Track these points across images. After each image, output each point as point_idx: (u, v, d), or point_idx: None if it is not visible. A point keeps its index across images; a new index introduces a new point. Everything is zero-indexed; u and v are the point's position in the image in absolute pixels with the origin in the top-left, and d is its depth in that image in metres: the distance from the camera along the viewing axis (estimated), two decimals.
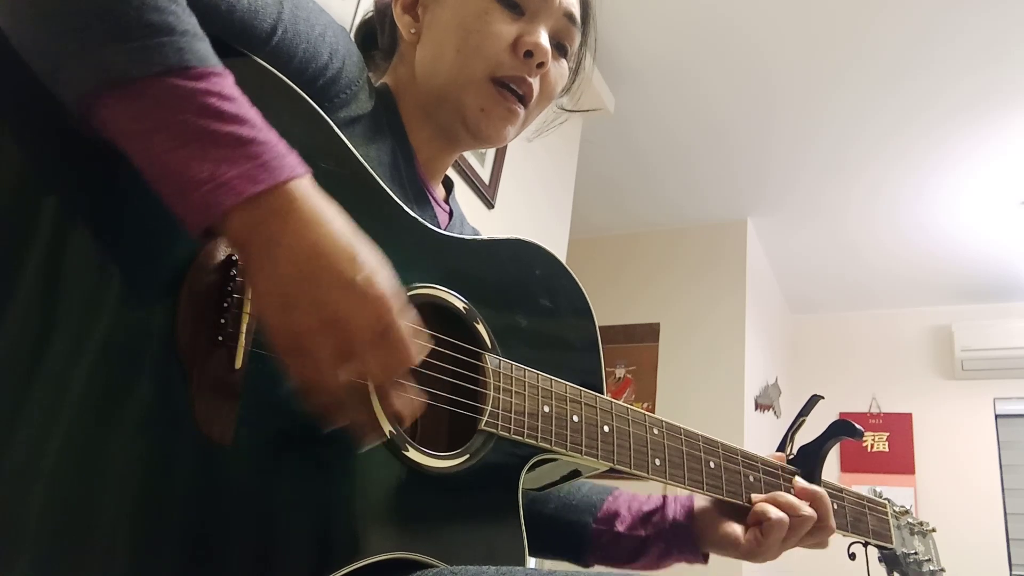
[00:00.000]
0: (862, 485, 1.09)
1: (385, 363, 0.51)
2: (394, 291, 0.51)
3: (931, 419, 4.08)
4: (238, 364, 0.53)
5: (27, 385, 0.45)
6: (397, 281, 0.52)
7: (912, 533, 1.05)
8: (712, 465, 0.83)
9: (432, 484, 0.64)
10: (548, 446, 0.70)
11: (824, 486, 0.91)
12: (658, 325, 3.65)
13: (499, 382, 0.69)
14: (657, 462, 0.78)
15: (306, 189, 0.50)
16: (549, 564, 0.96)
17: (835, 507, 0.93)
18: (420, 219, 0.70)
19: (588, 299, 0.82)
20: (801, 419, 0.95)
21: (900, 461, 4.03)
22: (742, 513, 0.85)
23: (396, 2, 0.80)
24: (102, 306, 0.49)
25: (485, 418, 0.67)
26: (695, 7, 2.48)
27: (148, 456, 0.49)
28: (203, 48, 0.50)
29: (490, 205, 2.30)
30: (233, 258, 0.55)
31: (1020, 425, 3.94)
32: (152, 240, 0.52)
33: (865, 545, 0.98)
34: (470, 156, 2.18)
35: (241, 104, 0.50)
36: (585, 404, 0.74)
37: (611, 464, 0.74)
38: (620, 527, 0.88)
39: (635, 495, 0.92)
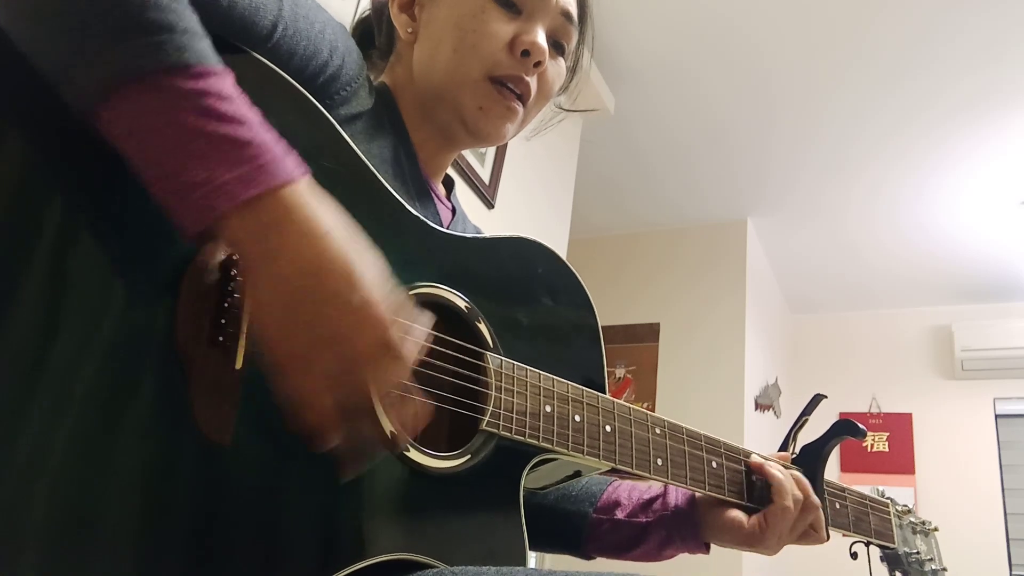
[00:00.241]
0: (862, 485, 1.09)
1: (383, 379, 0.50)
2: (393, 306, 0.51)
3: (931, 419, 4.08)
4: (238, 364, 0.53)
5: (29, 385, 0.44)
6: (398, 290, 0.51)
7: (914, 532, 1.05)
8: (715, 464, 0.83)
9: (433, 484, 0.63)
10: (550, 446, 0.70)
11: (826, 486, 0.91)
12: (658, 325, 3.65)
13: (500, 382, 0.68)
14: (659, 462, 0.78)
15: (303, 196, 0.49)
16: (549, 561, 0.96)
17: (837, 506, 0.93)
18: (422, 217, 0.70)
19: (590, 296, 0.82)
20: (804, 418, 0.94)
21: (900, 461, 4.03)
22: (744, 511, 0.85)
23: (393, 1, 0.80)
24: (102, 306, 0.48)
25: (486, 418, 0.66)
26: (695, 7, 2.48)
27: (148, 456, 0.48)
28: (203, 47, 0.49)
29: (490, 205, 2.30)
30: (233, 257, 0.54)
31: (1020, 425, 3.94)
32: (152, 240, 0.52)
33: (867, 544, 0.98)
34: (470, 156, 2.18)
35: (240, 104, 0.49)
36: (587, 404, 0.74)
37: (613, 464, 0.74)
38: (620, 515, 0.88)
39: (635, 485, 0.91)
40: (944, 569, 1.06)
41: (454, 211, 0.86)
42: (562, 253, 0.95)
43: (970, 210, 3.39)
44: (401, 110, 0.78)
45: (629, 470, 0.75)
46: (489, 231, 0.84)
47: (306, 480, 0.56)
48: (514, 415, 0.68)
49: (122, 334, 0.49)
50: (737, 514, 0.84)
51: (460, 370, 0.67)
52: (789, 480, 0.84)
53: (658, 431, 0.79)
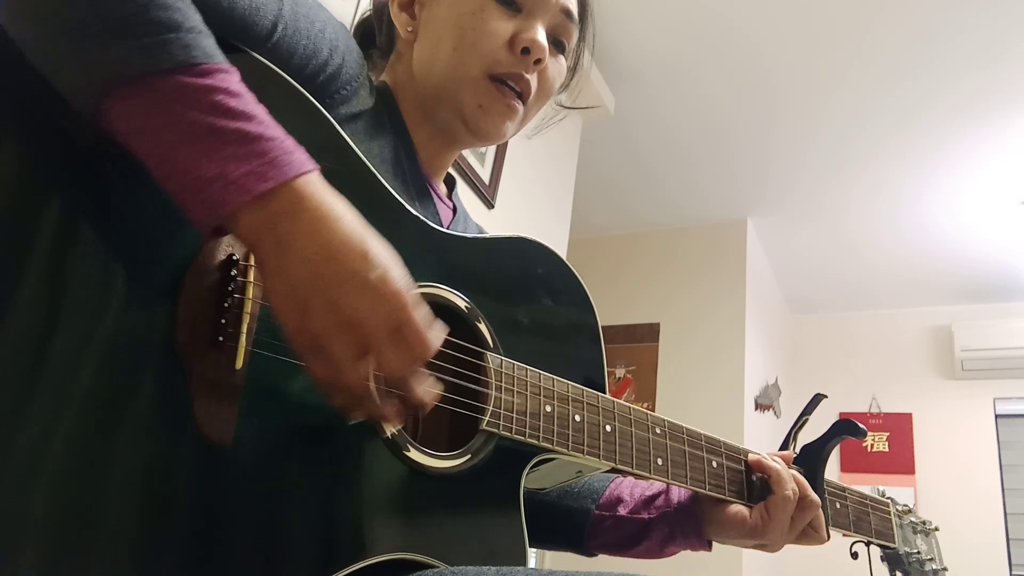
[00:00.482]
0: (862, 485, 1.09)
1: (404, 357, 0.51)
2: (407, 285, 0.51)
3: (931, 419, 4.08)
4: (238, 364, 0.53)
5: (29, 385, 0.44)
6: (408, 275, 0.52)
7: (915, 532, 1.05)
8: (715, 464, 0.83)
9: (433, 484, 0.63)
10: (550, 446, 0.70)
11: (827, 486, 0.91)
12: (658, 325, 3.65)
13: (500, 382, 0.68)
14: (659, 462, 0.78)
15: (315, 186, 0.50)
16: (549, 560, 0.96)
17: (837, 506, 0.93)
18: (421, 217, 0.70)
19: (590, 296, 0.81)
20: (804, 418, 0.94)
21: (900, 461, 4.03)
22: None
23: (393, 1, 0.80)
24: (102, 306, 0.48)
25: (487, 418, 0.66)
26: (695, 7, 2.48)
27: (148, 456, 0.48)
28: (209, 44, 0.50)
29: (490, 205, 2.30)
30: (234, 258, 0.54)
31: (1020, 425, 3.94)
32: (152, 240, 0.52)
33: (867, 544, 0.98)
34: (470, 156, 2.18)
35: (248, 100, 0.50)
36: (587, 404, 0.74)
37: (613, 464, 0.74)
38: (622, 511, 0.88)
39: (637, 482, 0.91)
40: (944, 569, 1.06)
41: (455, 210, 0.86)
42: (562, 253, 0.95)
43: (970, 210, 3.39)
44: (402, 109, 0.78)
45: (629, 470, 0.75)
46: (489, 231, 0.84)
47: (306, 480, 0.56)
48: (514, 415, 0.68)
49: (122, 334, 0.49)
50: (739, 509, 0.84)
51: (460, 370, 0.67)
52: (786, 470, 0.84)
53: (658, 431, 0.79)
